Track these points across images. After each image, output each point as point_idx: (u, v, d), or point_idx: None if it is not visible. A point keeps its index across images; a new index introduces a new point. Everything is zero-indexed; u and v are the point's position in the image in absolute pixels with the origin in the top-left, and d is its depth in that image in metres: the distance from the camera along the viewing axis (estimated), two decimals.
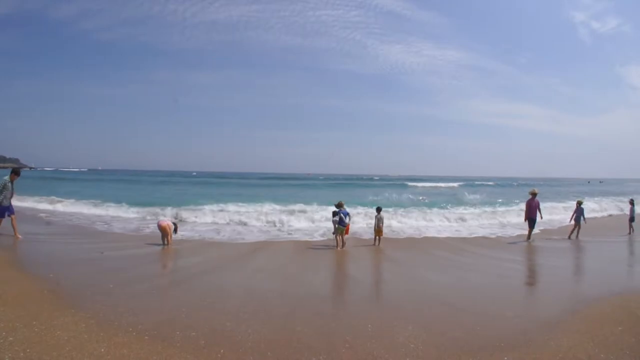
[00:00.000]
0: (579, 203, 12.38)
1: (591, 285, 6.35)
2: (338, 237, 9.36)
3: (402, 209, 16.51)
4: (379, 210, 10.20)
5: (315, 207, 15.98)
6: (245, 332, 3.72)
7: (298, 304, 4.95)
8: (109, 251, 7.87)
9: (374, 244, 9.90)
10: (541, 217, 11.64)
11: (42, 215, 14.23)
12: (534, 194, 11.46)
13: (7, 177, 8.46)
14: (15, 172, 8.74)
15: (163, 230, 8.88)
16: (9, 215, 8.49)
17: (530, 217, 11.20)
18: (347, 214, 9.54)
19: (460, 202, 21.81)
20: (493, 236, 12.08)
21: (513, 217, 15.77)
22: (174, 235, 9.14)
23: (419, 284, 6.35)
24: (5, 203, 8.39)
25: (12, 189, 8.56)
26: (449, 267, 7.74)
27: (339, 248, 9.24)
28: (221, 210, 15.12)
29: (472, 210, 17.74)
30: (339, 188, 42.41)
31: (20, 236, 8.46)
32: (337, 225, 9.35)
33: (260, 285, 5.96)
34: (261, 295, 5.34)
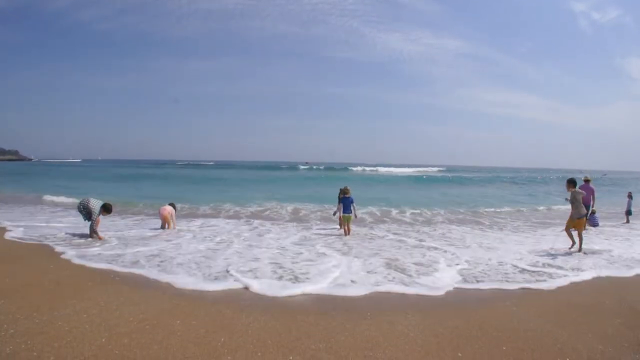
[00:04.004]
0: (629, 196, 12.99)
1: (591, 278, 6.36)
2: (345, 227, 9.37)
3: None
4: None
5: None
6: (246, 320, 3.75)
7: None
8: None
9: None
10: (593, 204, 10.81)
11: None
12: (587, 180, 10.98)
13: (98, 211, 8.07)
14: (107, 209, 8.25)
15: (164, 219, 8.95)
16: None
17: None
18: (352, 201, 9.53)
19: None
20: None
21: None
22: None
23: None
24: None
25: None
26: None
27: (345, 235, 9.23)
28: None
29: None
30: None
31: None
32: (342, 214, 9.36)
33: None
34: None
